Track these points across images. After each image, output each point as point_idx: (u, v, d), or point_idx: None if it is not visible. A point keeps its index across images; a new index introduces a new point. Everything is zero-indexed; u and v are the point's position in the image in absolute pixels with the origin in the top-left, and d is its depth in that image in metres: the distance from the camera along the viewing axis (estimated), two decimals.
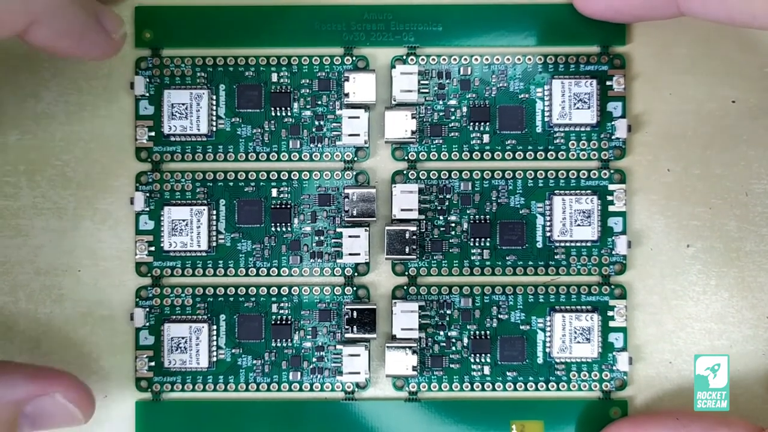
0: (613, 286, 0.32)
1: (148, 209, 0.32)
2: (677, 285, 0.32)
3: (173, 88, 0.31)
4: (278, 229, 0.32)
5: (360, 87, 0.31)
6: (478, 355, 0.32)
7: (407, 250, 0.31)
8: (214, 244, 0.32)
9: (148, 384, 0.32)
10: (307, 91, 0.32)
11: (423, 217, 0.32)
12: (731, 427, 0.28)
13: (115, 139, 0.32)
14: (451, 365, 0.32)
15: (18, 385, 0.27)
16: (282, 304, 0.32)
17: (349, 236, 0.31)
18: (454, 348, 0.32)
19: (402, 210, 0.31)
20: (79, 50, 0.27)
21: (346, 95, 0.31)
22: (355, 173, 0.32)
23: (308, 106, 0.32)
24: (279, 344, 0.32)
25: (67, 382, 0.28)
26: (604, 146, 0.32)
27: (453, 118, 0.32)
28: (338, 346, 0.31)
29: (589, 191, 0.31)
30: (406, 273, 0.32)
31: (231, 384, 0.32)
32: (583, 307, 0.32)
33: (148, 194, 0.32)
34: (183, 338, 0.31)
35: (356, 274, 0.32)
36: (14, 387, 0.27)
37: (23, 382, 0.27)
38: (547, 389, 0.32)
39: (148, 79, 0.32)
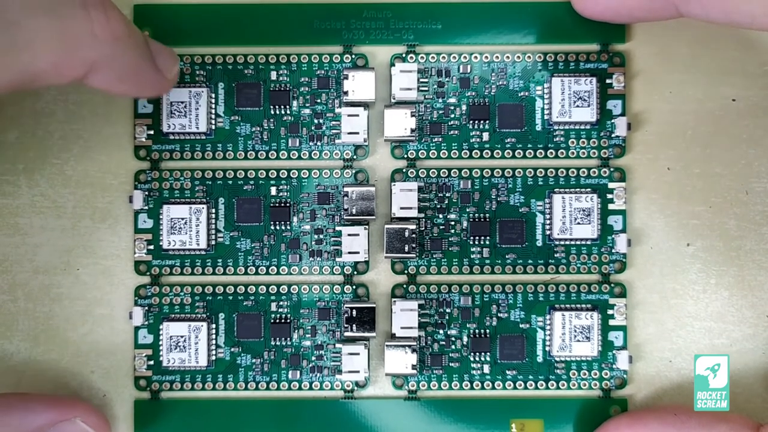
0: (612, 285, 0.32)
1: (146, 208, 0.31)
2: (677, 284, 0.32)
3: (172, 88, 0.31)
4: (277, 227, 0.32)
5: (359, 85, 0.31)
6: (477, 353, 0.31)
7: (407, 248, 0.30)
8: (213, 242, 0.32)
9: (147, 383, 0.32)
10: (307, 89, 0.32)
11: (422, 215, 0.32)
12: (730, 423, 0.28)
13: (114, 138, 0.32)
14: (450, 364, 0.32)
15: (38, 412, 0.28)
16: (281, 303, 0.32)
17: (349, 235, 0.31)
18: (453, 346, 0.32)
19: (401, 208, 0.31)
20: (135, 92, 0.28)
21: (346, 93, 0.31)
22: (354, 171, 0.32)
23: (307, 105, 0.32)
24: (278, 343, 0.32)
25: (86, 408, 0.29)
26: (604, 144, 0.32)
27: (452, 116, 0.32)
28: (338, 345, 0.31)
29: (588, 189, 0.31)
30: (406, 271, 0.32)
31: (230, 383, 0.32)
32: (583, 306, 0.32)
33: (146, 193, 0.32)
34: (182, 337, 0.31)
35: (356, 272, 0.32)
36: (35, 414, 0.27)
37: (43, 409, 0.28)
38: (547, 388, 0.32)
39: None
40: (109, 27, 0.24)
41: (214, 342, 0.32)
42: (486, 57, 0.32)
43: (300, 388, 0.32)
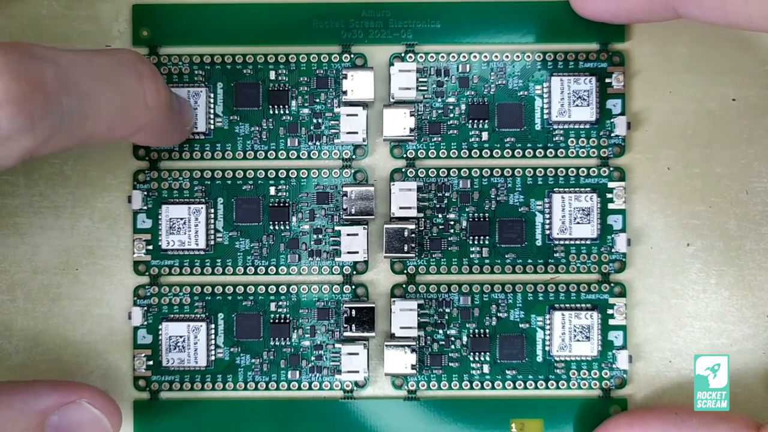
0: (612, 284, 0.32)
1: (145, 208, 0.31)
2: (677, 283, 0.32)
3: (171, 86, 0.31)
4: (276, 227, 0.32)
5: (358, 85, 0.31)
6: (477, 353, 0.31)
7: (406, 248, 0.30)
8: (212, 242, 0.32)
9: (146, 383, 0.32)
10: (305, 89, 0.32)
11: (422, 215, 0.31)
12: (730, 423, 0.28)
13: (116, 141, 0.32)
14: (450, 364, 0.32)
15: (43, 394, 0.27)
16: (280, 303, 0.32)
17: (348, 234, 0.31)
18: (453, 346, 0.32)
19: (401, 208, 0.31)
20: (162, 144, 0.31)
21: (345, 93, 0.31)
22: (353, 171, 0.32)
23: (306, 104, 0.32)
24: (277, 343, 0.31)
25: (92, 391, 0.28)
26: (604, 144, 0.32)
27: (452, 115, 0.32)
28: (337, 345, 0.31)
29: (588, 189, 0.31)
30: (405, 271, 0.32)
31: (229, 383, 0.32)
32: (583, 306, 0.31)
33: (145, 192, 0.32)
34: (181, 337, 0.31)
35: (355, 272, 0.32)
36: (39, 396, 0.27)
37: (48, 392, 0.27)
38: (547, 387, 0.31)
39: None
40: (159, 97, 0.26)
41: (213, 342, 0.31)
42: (485, 56, 0.32)
43: (299, 388, 0.32)
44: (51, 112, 0.22)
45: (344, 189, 0.31)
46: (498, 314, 0.32)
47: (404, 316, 0.31)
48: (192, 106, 0.31)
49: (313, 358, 0.32)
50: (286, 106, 0.32)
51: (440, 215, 0.32)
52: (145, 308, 0.32)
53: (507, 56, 0.32)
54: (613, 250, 0.32)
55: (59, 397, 0.27)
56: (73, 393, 0.28)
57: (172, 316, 0.32)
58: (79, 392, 0.28)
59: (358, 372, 0.31)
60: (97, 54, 0.25)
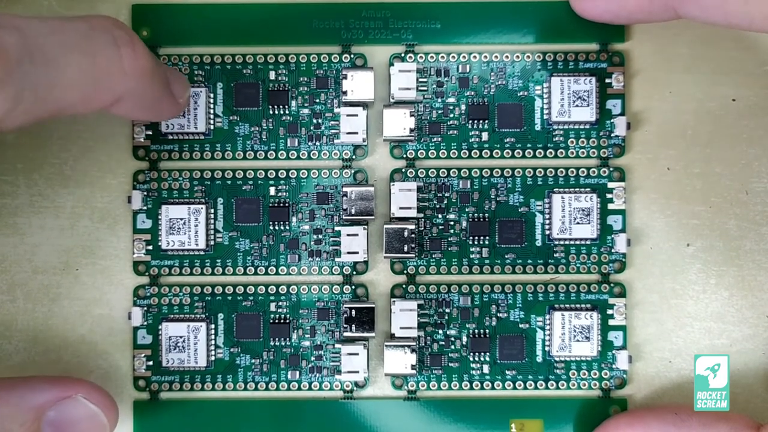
0: (612, 285, 0.32)
1: (145, 208, 0.31)
2: (677, 284, 0.32)
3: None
4: (276, 227, 0.32)
5: (358, 85, 0.31)
6: (477, 353, 0.31)
7: (406, 248, 0.30)
8: (212, 242, 0.31)
9: (146, 383, 0.32)
10: (305, 89, 0.32)
11: (422, 215, 0.31)
12: (730, 422, 0.28)
13: (113, 138, 0.32)
14: (450, 364, 0.32)
15: (39, 389, 0.27)
16: (280, 303, 0.32)
17: (348, 235, 0.31)
18: (453, 347, 0.32)
19: (400, 208, 0.31)
20: (151, 118, 0.30)
21: (344, 93, 0.31)
22: (353, 171, 0.32)
23: (306, 104, 0.32)
24: (277, 343, 0.31)
25: (89, 386, 0.28)
26: (604, 144, 0.32)
27: (452, 115, 0.32)
28: (337, 345, 0.31)
29: (588, 189, 0.31)
30: (405, 271, 0.32)
31: (229, 383, 0.32)
32: (583, 306, 0.31)
33: (145, 193, 0.31)
34: (181, 337, 0.31)
35: (355, 272, 0.32)
36: (36, 392, 0.27)
37: (44, 388, 0.27)
38: (547, 388, 0.31)
39: None
40: (137, 63, 0.25)
41: (213, 342, 0.31)
42: (485, 56, 0.32)
43: (299, 389, 0.32)
44: (12, 79, 0.21)
45: (344, 189, 0.31)
46: (498, 314, 0.32)
47: (404, 317, 0.31)
48: (186, 80, 0.30)
49: (313, 359, 0.32)
50: (286, 107, 0.32)
51: (440, 215, 0.32)
52: (145, 308, 0.32)
53: (507, 56, 0.32)
54: (613, 251, 0.32)
55: (56, 393, 0.27)
56: (70, 388, 0.28)
57: (172, 316, 0.32)
58: (76, 387, 0.28)
59: (358, 372, 0.31)
60: (68, 20, 0.24)
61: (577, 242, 0.31)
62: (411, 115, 0.31)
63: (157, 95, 0.27)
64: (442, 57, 0.32)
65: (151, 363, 0.31)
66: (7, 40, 0.21)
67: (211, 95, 0.32)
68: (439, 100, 0.32)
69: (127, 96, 0.25)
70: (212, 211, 0.32)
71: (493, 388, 0.32)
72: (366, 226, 0.31)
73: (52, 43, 0.23)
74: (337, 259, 0.31)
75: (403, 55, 0.32)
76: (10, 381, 0.27)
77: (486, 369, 0.32)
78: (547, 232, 0.31)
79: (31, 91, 0.22)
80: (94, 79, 0.24)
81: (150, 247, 0.31)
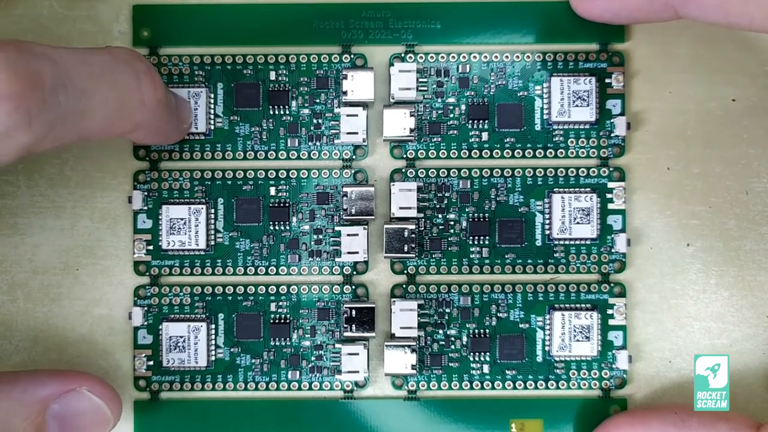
0: (612, 285, 0.32)
1: (146, 208, 0.31)
2: (677, 284, 0.32)
3: (171, 86, 0.31)
4: (277, 227, 0.32)
5: (358, 85, 0.31)
6: (477, 353, 0.31)
7: (406, 248, 0.30)
8: (213, 242, 0.32)
9: (147, 383, 0.32)
10: (306, 89, 0.32)
11: (422, 215, 0.31)
12: (730, 422, 0.28)
13: (113, 138, 0.32)
14: (450, 364, 0.32)
15: (43, 383, 0.27)
16: (281, 303, 0.32)
17: (348, 235, 0.31)
18: (453, 346, 0.32)
19: (401, 208, 0.31)
20: (160, 142, 0.31)
21: (345, 93, 0.31)
22: (353, 171, 0.32)
23: (306, 105, 0.32)
24: (278, 343, 0.31)
25: (92, 379, 0.28)
26: (604, 144, 0.32)
27: (452, 116, 0.32)
28: (337, 345, 0.31)
29: (588, 189, 0.31)
30: (405, 271, 0.32)
31: (230, 383, 0.32)
32: (583, 306, 0.31)
33: (146, 193, 0.32)
34: (181, 337, 0.31)
35: (355, 272, 0.32)
36: (39, 385, 0.27)
37: (48, 380, 0.27)
38: (547, 388, 0.32)
39: None
40: (155, 95, 0.26)
41: (213, 342, 0.31)
42: (485, 57, 0.32)
43: (299, 389, 0.32)
44: (48, 108, 0.22)
45: (344, 189, 0.31)
46: (498, 314, 0.32)
47: (404, 316, 0.31)
48: (190, 104, 0.31)
49: (313, 359, 0.32)
50: (286, 107, 0.32)
51: (440, 215, 0.32)
52: (146, 308, 0.32)
53: (507, 56, 0.32)
54: (612, 250, 0.32)
55: (59, 386, 0.27)
56: (73, 381, 0.28)
57: (173, 316, 0.32)
58: (79, 380, 0.28)
59: (358, 372, 0.31)
60: (93, 52, 0.25)
61: (577, 242, 0.31)
62: (411, 115, 0.31)
63: (168, 123, 0.28)
64: (442, 57, 0.32)
65: (151, 363, 0.31)
66: (44, 70, 0.22)
67: (212, 95, 0.32)
68: (439, 100, 0.32)
69: (143, 124, 0.26)
70: (212, 211, 0.32)
71: (493, 388, 0.32)
72: (366, 226, 0.31)
73: (82, 74, 0.24)
74: (337, 259, 0.31)
75: (403, 55, 0.32)
76: (12, 375, 0.27)
77: (486, 369, 0.32)
78: (547, 232, 0.31)
79: (63, 120, 0.23)
80: (117, 110, 0.25)
81: (150, 247, 0.31)
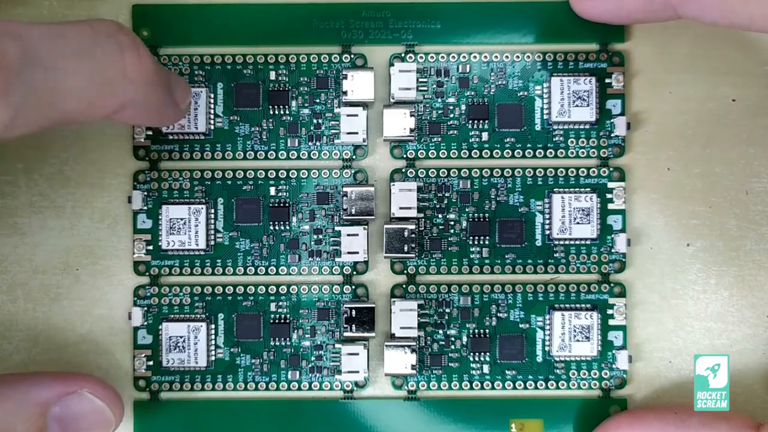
0: (612, 285, 0.32)
1: (146, 208, 0.31)
2: (677, 284, 0.32)
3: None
4: (277, 227, 0.32)
5: (358, 85, 0.31)
6: (477, 353, 0.31)
7: (406, 248, 0.30)
8: (213, 242, 0.32)
9: (147, 383, 0.32)
10: (306, 89, 0.32)
11: (422, 215, 0.31)
12: (730, 422, 0.28)
13: (113, 138, 0.32)
14: (450, 364, 0.32)
15: (44, 385, 0.27)
16: (280, 303, 0.32)
17: (348, 235, 0.31)
18: (453, 347, 0.32)
19: (401, 208, 0.31)
20: (154, 123, 0.30)
21: (345, 93, 0.31)
22: (353, 171, 0.32)
23: (306, 105, 0.32)
24: (277, 343, 0.31)
25: (94, 381, 0.28)
26: (604, 144, 0.32)
27: (452, 116, 0.32)
28: (337, 345, 0.31)
29: (588, 189, 0.31)
30: (405, 271, 0.32)
31: (229, 383, 0.32)
32: (583, 306, 0.31)
33: (145, 193, 0.32)
34: (181, 337, 0.31)
35: (355, 272, 0.32)
36: (40, 387, 0.27)
37: (49, 382, 0.27)
38: (547, 388, 0.32)
39: None
40: (141, 69, 0.24)
41: (213, 342, 0.31)
42: (485, 57, 0.32)
43: (299, 389, 0.32)
44: (13, 88, 0.21)
45: (344, 189, 0.31)
46: (498, 314, 0.32)
47: (404, 317, 0.31)
48: (188, 84, 0.30)
49: (313, 359, 0.32)
50: (286, 107, 0.32)
51: (440, 215, 0.32)
52: (145, 308, 0.32)
53: (507, 56, 0.32)
54: (612, 250, 0.32)
55: (60, 388, 0.27)
56: (74, 383, 0.28)
57: (172, 316, 0.32)
58: (81, 382, 0.28)
59: (358, 372, 0.31)
60: (71, 25, 0.23)
61: (577, 242, 0.31)
62: (411, 115, 0.31)
63: (160, 101, 0.27)
64: (442, 57, 0.32)
65: (151, 363, 0.31)
66: (7, 48, 0.21)
67: (212, 95, 0.32)
68: (439, 100, 0.32)
69: (131, 103, 0.25)
70: (212, 211, 0.32)
71: (493, 388, 0.32)
72: (366, 226, 0.31)
73: (53, 50, 0.22)
74: (337, 259, 0.31)
75: (403, 55, 0.32)
76: (13, 377, 0.27)
77: (486, 369, 0.32)
78: (547, 232, 0.31)
79: (33, 100, 0.22)
80: (98, 86, 0.24)
81: (150, 247, 0.31)
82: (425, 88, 0.32)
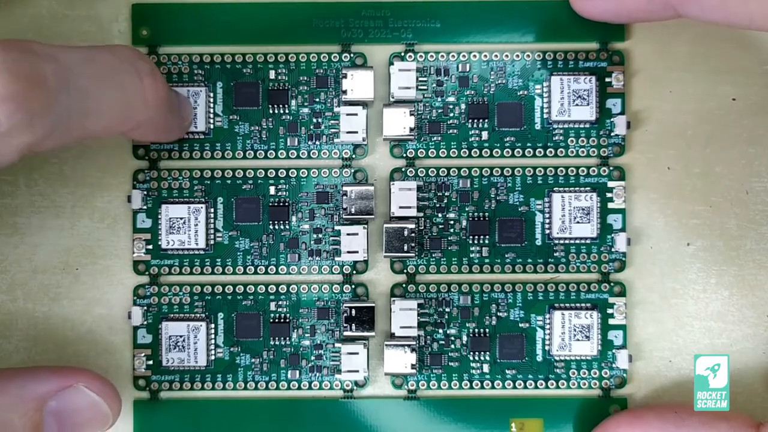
0: (612, 284, 0.32)
1: (145, 207, 0.31)
2: (677, 283, 0.32)
3: (170, 85, 0.31)
4: (276, 227, 0.32)
5: (358, 84, 0.31)
6: (477, 353, 0.31)
7: (406, 247, 0.30)
8: (212, 242, 0.31)
9: (146, 383, 0.32)
10: (305, 88, 0.32)
11: (422, 214, 0.31)
12: (730, 422, 0.28)
13: (113, 137, 0.32)
14: (450, 363, 0.32)
15: (40, 379, 0.27)
16: (280, 303, 0.32)
17: (348, 234, 0.31)
18: (453, 346, 0.32)
19: (400, 207, 0.31)
20: (161, 140, 0.31)
21: (344, 92, 0.31)
22: (353, 171, 0.32)
23: (306, 104, 0.32)
24: (277, 342, 0.31)
25: (90, 375, 0.28)
26: (604, 143, 0.32)
27: (451, 115, 0.32)
28: (337, 345, 0.31)
29: (588, 188, 0.31)
30: (405, 271, 0.32)
31: (229, 382, 0.32)
32: (583, 305, 0.31)
33: (145, 192, 0.31)
34: (181, 337, 0.31)
35: (355, 272, 0.32)
36: (36, 382, 0.27)
37: (44, 377, 0.27)
38: (547, 387, 0.31)
39: None
40: (157, 94, 0.26)
41: (213, 342, 0.31)
42: (485, 56, 0.32)
43: (299, 388, 0.32)
44: (50, 109, 0.22)
45: (344, 188, 0.31)
46: (498, 314, 0.32)
47: (404, 316, 0.31)
48: (191, 102, 0.31)
49: (313, 358, 0.32)
50: (286, 106, 0.32)
51: (440, 215, 0.32)
52: (145, 308, 0.32)
53: (507, 56, 0.32)
54: (612, 250, 0.31)
55: (57, 382, 0.27)
56: (71, 377, 0.28)
57: (172, 315, 0.32)
58: (77, 376, 0.28)
59: (358, 371, 0.31)
60: (96, 50, 0.25)
61: (577, 241, 0.31)
62: (411, 115, 0.31)
63: (170, 121, 0.28)
64: (442, 56, 0.32)
65: (151, 362, 0.31)
66: (46, 70, 0.22)
67: (211, 95, 0.32)
68: (439, 99, 0.32)
69: (144, 123, 0.26)
70: (212, 210, 0.32)
71: (493, 387, 0.32)
72: (366, 226, 0.31)
73: (85, 74, 0.23)
74: (337, 259, 0.31)
75: (402, 54, 0.32)
76: (9, 371, 0.27)
77: (486, 368, 0.32)
78: (547, 232, 0.31)
79: (66, 120, 0.23)
80: (121, 109, 0.25)
81: (150, 247, 0.31)
82: (425, 87, 0.32)
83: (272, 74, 0.32)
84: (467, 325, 0.32)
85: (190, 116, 0.31)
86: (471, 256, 0.32)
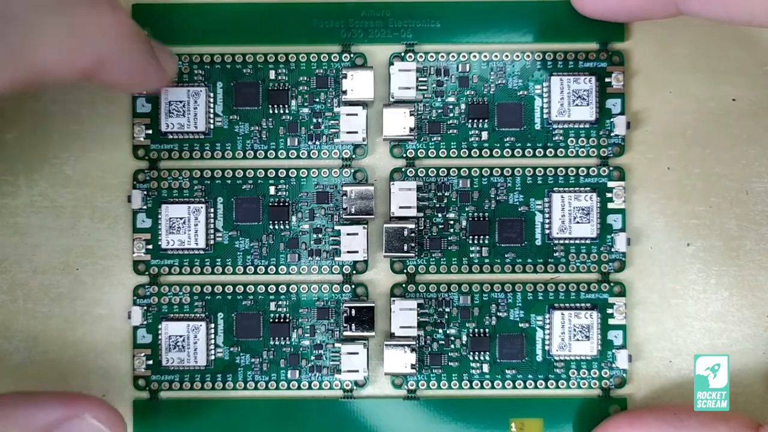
0: (612, 284, 0.32)
1: (145, 207, 0.31)
2: (677, 284, 0.32)
3: (170, 85, 0.31)
4: (276, 227, 0.32)
5: (358, 84, 0.31)
6: (477, 353, 0.31)
7: (406, 247, 0.30)
8: (212, 242, 0.32)
9: (146, 382, 0.32)
10: (305, 88, 0.32)
11: (421, 214, 0.31)
12: (730, 423, 0.28)
13: (113, 137, 0.32)
14: (450, 363, 0.32)
15: (45, 408, 0.27)
16: (280, 302, 0.32)
17: (348, 234, 0.31)
18: (453, 346, 0.32)
19: (400, 207, 0.31)
20: (137, 85, 0.29)
21: (344, 92, 0.31)
22: (353, 171, 0.32)
23: (306, 104, 0.32)
24: (277, 342, 0.31)
25: (97, 404, 0.28)
26: (603, 143, 0.32)
27: (451, 115, 0.32)
28: (337, 344, 0.31)
29: (588, 188, 0.31)
30: (405, 271, 0.32)
31: (229, 382, 0.32)
32: (583, 305, 0.31)
33: (145, 192, 0.32)
34: (181, 336, 0.31)
35: (354, 271, 0.32)
36: (42, 411, 0.27)
37: (51, 406, 0.27)
38: (547, 387, 0.31)
39: None
40: (115, 21, 0.25)
41: (212, 341, 0.31)
42: (485, 56, 0.32)
43: (299, 388, 0.32)
44: None
45: (344, 188, 0.31)
46: (498, 314, 0.32)
47: (404, 316, 0.31)
48: (173, 53, 0.30)
49: (312, 358, 0.32)
50: (286, 106, 0.32)
51: (440, 215, 0.32)
52: (145, 308, 0.32)
53: (507, 56, 0.32)
54: (612, 250, 0.31)
55: (62, 411, 0.27)
56: (77, 407, 0.27)
57: (172, 315, 0.32)
58: (83, 406, 0.27)
59: (357, 371, 0.31)
60: None
61: (577, 241, 0.31)
62: (411, 115, 0.31)
63: (141, 59, 0.27)
64: (442, 56, 0.32)
65: (150, 362, 0.31)
66: None
67: (211, 95, 0.32)
68: (439, 99, 0.32)
69: (110, 59, 0.25)
70: (212, 210, 0.32)
71: (492, 387, 0.32)
72: (366, 226, 0.31)
73: (23, 5, 0.23)
74: (336, 259, 0.31)
75: (402, 54, 0.32)
76: (15, 398, 0.27)
77: (486, 368, 0.32)
78: (547, 232, 0.31)
79: (10, 55, 0.22)
80: (71, 38, 0.24)
81: (150, 247, 0.31)
82: (425, 88, 0.32)
83: (272, 74, 0.32)
84: (467, 325, 0.32)
85: (172, 67, 0.29)
86: (471, 256, 0.32)
